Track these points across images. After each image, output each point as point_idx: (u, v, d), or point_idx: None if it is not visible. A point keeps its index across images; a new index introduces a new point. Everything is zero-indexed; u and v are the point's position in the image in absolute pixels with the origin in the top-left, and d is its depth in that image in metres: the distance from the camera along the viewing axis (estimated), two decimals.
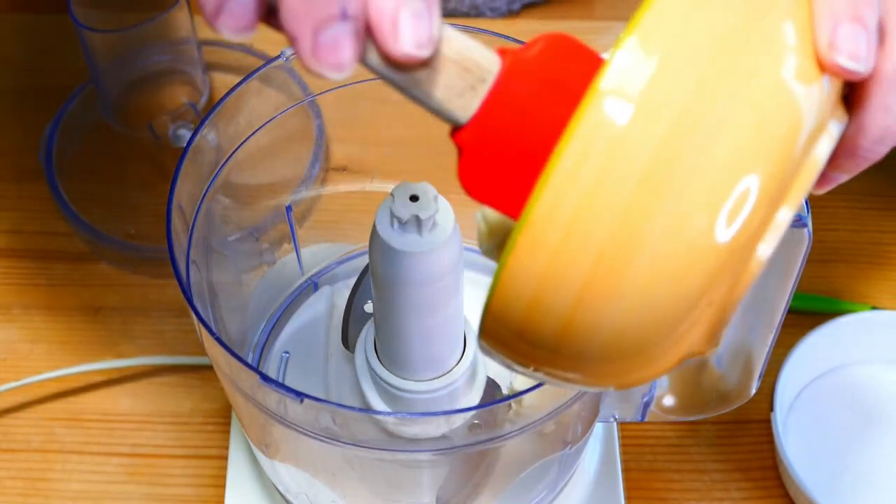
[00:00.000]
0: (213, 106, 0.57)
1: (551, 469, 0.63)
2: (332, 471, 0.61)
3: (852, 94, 0.40)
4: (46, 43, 0.90)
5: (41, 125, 0.83)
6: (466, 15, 0.92)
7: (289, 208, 0.68)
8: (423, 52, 0.34)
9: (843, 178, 0.42)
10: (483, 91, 0.36)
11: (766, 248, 0.37)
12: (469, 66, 0.36)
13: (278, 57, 0.58)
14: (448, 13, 0.92)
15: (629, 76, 0.34)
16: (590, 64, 0.37)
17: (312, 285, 0.71)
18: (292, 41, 0.33)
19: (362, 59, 0.35)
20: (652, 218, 0.34)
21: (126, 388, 0.72)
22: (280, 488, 0.64)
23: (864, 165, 0.41)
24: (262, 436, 0.60)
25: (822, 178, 0.42)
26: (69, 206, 0.79)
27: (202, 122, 0.56)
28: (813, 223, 0.51)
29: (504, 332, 0.38)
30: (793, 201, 0.38)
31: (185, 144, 0.60)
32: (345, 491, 0.62)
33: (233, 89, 0.57)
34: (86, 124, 0.85)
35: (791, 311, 0.57)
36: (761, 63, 0.36)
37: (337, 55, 0.33)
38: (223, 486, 0.66)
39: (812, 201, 0.51)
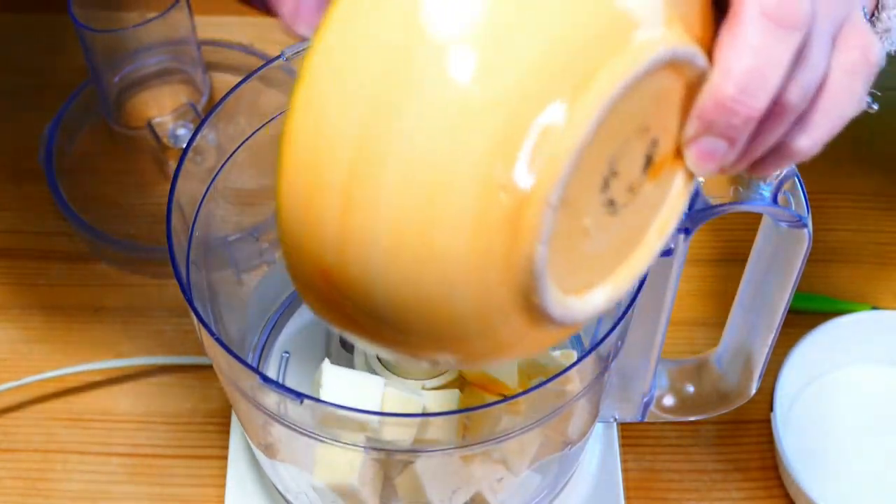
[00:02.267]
0: (213, 106, 0.57)
1: (551, 469, 0.63)
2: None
3: (717, 39, 0.37)
4: (46, 43, 0.90)
5: (41, 125, 0.83)
6: None
7: None
8: None
9: (720, 146, 0.38)
10: None
11: (524, 170, 0.34)
12: None
13: (278, 57, 0.58)
14: None
15: None
16: None
17: None
18: (277, 8, 0.40)
19: None
20: (406, 99, 0.33)
21: (126, 388, 0.72)
22: (280, 488, 0.64)
23: (738, 126, 0.37)
24: (262, 436, 0.60)
25: (701, 149, 0.38)
26: (69, 206, 0.79)
27: (202, 122, 0.56)
28: (813, 223, 0.51)
29: (300, 264, 0.37)
30: (583, 108, 0.34)
31: (185, 144, 0.60)
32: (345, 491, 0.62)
33: (233, 89, 0.57)
34: (86, 124, 0.85)
35: (791, 311, 0.57)
36: None
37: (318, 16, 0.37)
38: (223, 486, 0.66)
39: (812, 201, 0.51)
